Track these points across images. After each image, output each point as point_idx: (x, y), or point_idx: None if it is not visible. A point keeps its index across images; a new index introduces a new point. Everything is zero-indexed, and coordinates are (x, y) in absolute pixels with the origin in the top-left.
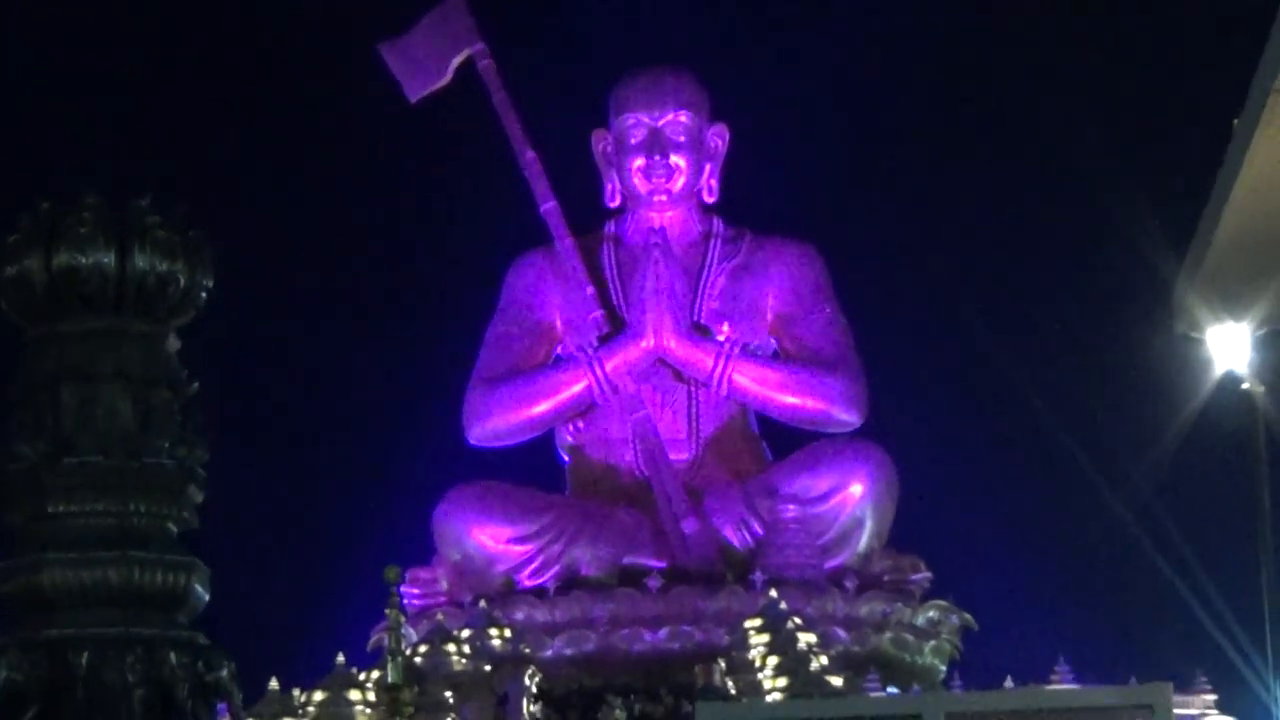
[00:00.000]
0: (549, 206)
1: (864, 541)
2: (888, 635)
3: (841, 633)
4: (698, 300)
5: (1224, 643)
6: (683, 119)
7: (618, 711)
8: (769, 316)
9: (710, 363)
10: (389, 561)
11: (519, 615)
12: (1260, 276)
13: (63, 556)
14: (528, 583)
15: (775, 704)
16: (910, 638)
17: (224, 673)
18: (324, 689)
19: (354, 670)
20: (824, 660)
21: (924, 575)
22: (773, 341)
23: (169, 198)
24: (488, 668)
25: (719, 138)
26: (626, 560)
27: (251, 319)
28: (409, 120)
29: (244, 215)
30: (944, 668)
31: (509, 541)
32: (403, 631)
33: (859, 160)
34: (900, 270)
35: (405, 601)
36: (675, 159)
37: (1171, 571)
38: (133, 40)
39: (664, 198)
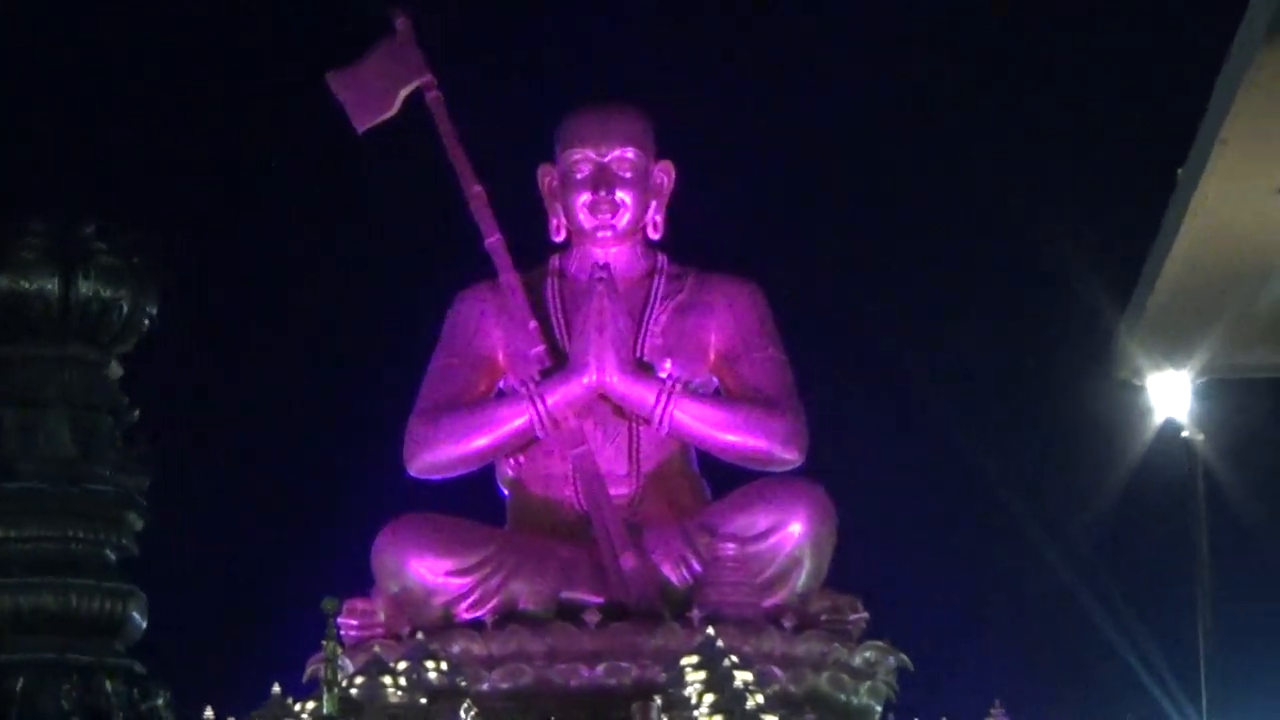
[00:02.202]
0: (493, 240)
1: (802, 580)
2: (825, 675)
3: (778, 671)
4: (640, 336)
5: (1157, 691)
6: (629, 155)
7: None
8: (711, 354)
9: (652, 399)
10: (327, 592)
11: (456, 648)
12: (1202, 324)
13: (0, 581)
14: (466, 616)
15: None
16: (847, 678)
17: (159, 701)
18: (259, 719)
19: (290, 701)
20: (760, 699)
21: (861, 615)
22: (715, 379)
23: (110, 227)
24: (424, 700)
25: (665, 174)
26: (564, 595)
27: (193, 345)
28: (350, 151)
29: (189, 240)
30: (880, 708)
31: (447, 574)
32: (340, 663)
33: (801, 201)
34: (839, 311)
35: (343, 633)
36: (621, 195)
37: (1107, 617)
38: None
39: (609, 233)
